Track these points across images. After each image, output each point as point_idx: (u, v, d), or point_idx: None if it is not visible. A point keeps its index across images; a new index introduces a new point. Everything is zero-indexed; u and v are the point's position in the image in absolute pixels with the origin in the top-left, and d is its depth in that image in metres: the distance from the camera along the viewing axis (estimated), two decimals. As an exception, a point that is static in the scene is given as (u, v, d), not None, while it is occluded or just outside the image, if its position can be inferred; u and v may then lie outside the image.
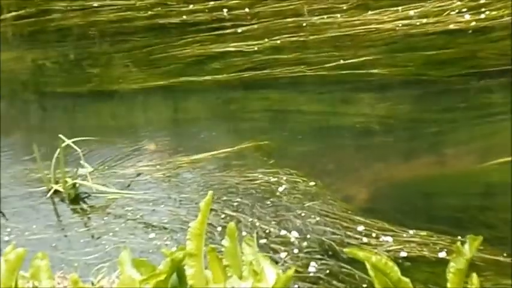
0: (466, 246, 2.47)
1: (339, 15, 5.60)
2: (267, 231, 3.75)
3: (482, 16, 5.16)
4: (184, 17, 6.00)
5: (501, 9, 5.19)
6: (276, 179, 4.07)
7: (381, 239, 3.57)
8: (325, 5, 5.75)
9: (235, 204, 3.94)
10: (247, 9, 5.93)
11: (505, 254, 3.41)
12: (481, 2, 5.31)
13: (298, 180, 4.07)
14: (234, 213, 3.86)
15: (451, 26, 5.15)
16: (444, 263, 2.87)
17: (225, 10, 5.98)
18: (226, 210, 3.89)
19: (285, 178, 4.08)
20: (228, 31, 5.70)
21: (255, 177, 4.12)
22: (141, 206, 4.03)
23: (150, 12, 6.11)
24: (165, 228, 3.84)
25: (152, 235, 3.81)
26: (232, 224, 2.74)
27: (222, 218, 3.83)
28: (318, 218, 3.76)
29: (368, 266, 2.51)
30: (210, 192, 2.70)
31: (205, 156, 4.36)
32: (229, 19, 5.84)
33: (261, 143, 4.43)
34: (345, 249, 2.65)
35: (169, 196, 4.09)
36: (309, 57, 5.20)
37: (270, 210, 3.89)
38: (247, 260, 2.67)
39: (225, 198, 3.98)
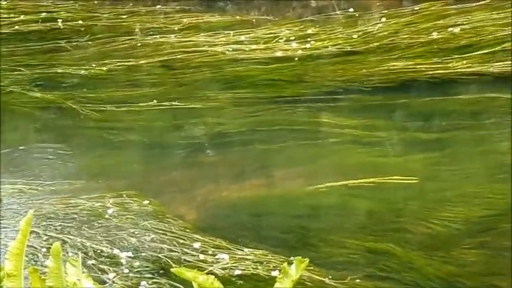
0: (293, 267, 2.40)
1: (172, 35, 5.44)
2: (98, 251, 3.57)
3: (308, 46, 5.16)
4: (17, 27, 5.66)
5: (325, 40, 5.21)
6: (101, 204, 3.89)
7: (217, 257, 3.50)
8: (157, 24, 5.59)
9: (59, 227, 3.74)
10: (80, 21, 5.67)
11: (330, 277, 3.39)
12: (308, 32, 5.31)
13: (129, 201, 3.90)
14: (59, 235, 3.65)
15: (278, 54, 5.11)
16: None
17: (59, 21, 5.71)
18: (50, 233, 3.68)
19: (111, 201, 3.90)
20: (62, 44, 5.44)
21: (77, 204, 3.90)
22: None
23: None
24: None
25: (-35, 260, 3.49)
26: (56, 244, 2.50)
27: (45, 240, 3.62)
28: (153, 236, 3.63)
29: (195, 286, 2.38)
30: (31, 211, 2.50)
31: (26, 186, 4.11)
32: (63, 31, 5.57)
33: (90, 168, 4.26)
34: (172, 269, 2.53)
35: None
36: (141, 79, 5.02)
37: (101, 231, 3.72)
38: (71, 281, 2.44)
39: (44, 223, 3.76)
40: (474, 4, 5.36)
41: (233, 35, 5.36)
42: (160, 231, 3.67)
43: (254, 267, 3.43)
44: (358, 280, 3.37)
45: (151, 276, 3.42)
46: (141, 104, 4.76)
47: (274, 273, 3.35)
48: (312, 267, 3.35)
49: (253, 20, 5.59)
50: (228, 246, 3.57)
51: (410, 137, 4.33)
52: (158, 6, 5.84)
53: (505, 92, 4.54)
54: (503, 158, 4.06)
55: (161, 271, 3.42)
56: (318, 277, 3.36)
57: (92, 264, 3.46)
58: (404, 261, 3.46)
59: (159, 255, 3.51)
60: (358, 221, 3.78)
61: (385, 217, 3.75)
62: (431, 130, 4.37)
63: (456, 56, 4.82)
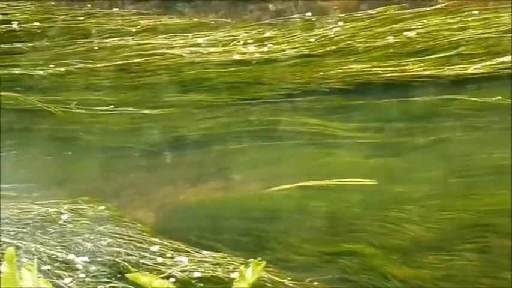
0: (249, 270, 2.41)
1: (130, 38, 5.35)
2: (53, 256, 3.50)
3: (265, 49, 5.12)
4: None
5: (283, 43, 5.18)
6: (55, 209, 3.82)
7: (175, 259, 3.48)
8: (115, 26, 5.49)
9: (13, 233, 3.67)
10: (36, 23, 5.54)
11: (289, 278, 3.39)
12: (266, 35, 5.27)
13: (84, 206, 3.84)
14: (13, 241, 3.59)
15: (237, 56, 5.06)
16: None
17: (15, 23, 5.57)
18: (3, 238, 3.61)
19: (66, 207, 3.83)
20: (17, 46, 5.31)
21: (32, 209, 3.82)
22: None
23: None
24: None
25: None
26: (11, 249, 2.43)
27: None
28: (109, 240, 3.58)
29: (150, 290, 2.37)
30: (-16, 217, 2.41)
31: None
32: (19, 34, 5.44)
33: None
34: (126, 275, 2.51)
35: None
36: (99, 82, 4.93)
37: (55, 236, 3.65)
38: (26, 286, 2.38)
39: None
40: (429, 8, 5.38)
41: (191, 38, 5.30)
42: (117, 236, 3.62)
43: (213, 269, 3.42)
44: (316, 283, 3.37)
45: (108, 280, 3.38)
46: (99, 107, 4.68)
47: (234, 275, 3.34)
48: (271, 269, 3.36)
49: (212, 22, 5.54)
50: (186, 249, 3.55)
51: (368, 138, 4.32)
52: (116, 9, 5.76)
53: (463, 93, 4.56)
54: (460, 160, 4.09)
55: (118, 275, 3.39)
56: (278, 278, 3.36)
57: (47, 269, 3.40)
58: (362, 263, 3.47)
59: (117, 259, 3.47)
60: (316, 223, 3.75)
61: (343, 219, 3.74)
62: (389, 132, 4.37)
63: (412, 59, 4.83)
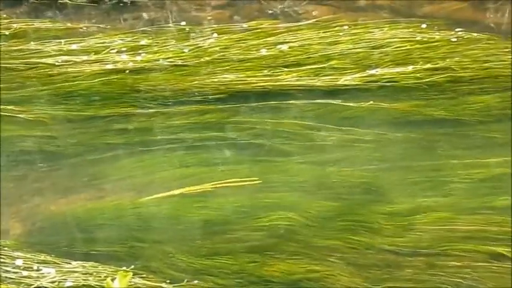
0: (116, 281, 2.39)
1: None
2: None
3: (139, 58, 4.98)
4: None
5: (158, 52, 5.06)
6: None
7: (42, 271, 3.37)
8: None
9: None
10: None
11: (168, 281, 3.41)
12: (141, 43, 5.13)
13: None
14: None
15: (110, 65, 4.89)
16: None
17: None
18: None
19: None
20: None
21: None
22: None
23: None
24: None
25: None
26: None
27: None
28: None
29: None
30: None
31: None
32: None
33: None
34: None
35: None
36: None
37: None
38: None
39: None
40: (302, 23, 5.41)
41: (64, 44, 5.09)
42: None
43: (84, 278, 3.34)
44: (196, 281, 3.38)
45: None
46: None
47: (107, 283, 3.25)
48: (145, 275, 3.37)
49: (84, 28, 5.34)
50: (54, 260, 3.45)
51: (241, 143, 4.30)
52: (-15, 12, 5.49)
53: (336, 99, 4.59)
54: (330, 170, 4.12)
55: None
56: (155, 284, 3.35)
57: None
58: (236, 269, 3.49)
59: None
60: (192, 230, 3.72)
61: (219, 225, 3.74)
62: (263, 136, 4.35)
63: (286, 70, 4.83)
